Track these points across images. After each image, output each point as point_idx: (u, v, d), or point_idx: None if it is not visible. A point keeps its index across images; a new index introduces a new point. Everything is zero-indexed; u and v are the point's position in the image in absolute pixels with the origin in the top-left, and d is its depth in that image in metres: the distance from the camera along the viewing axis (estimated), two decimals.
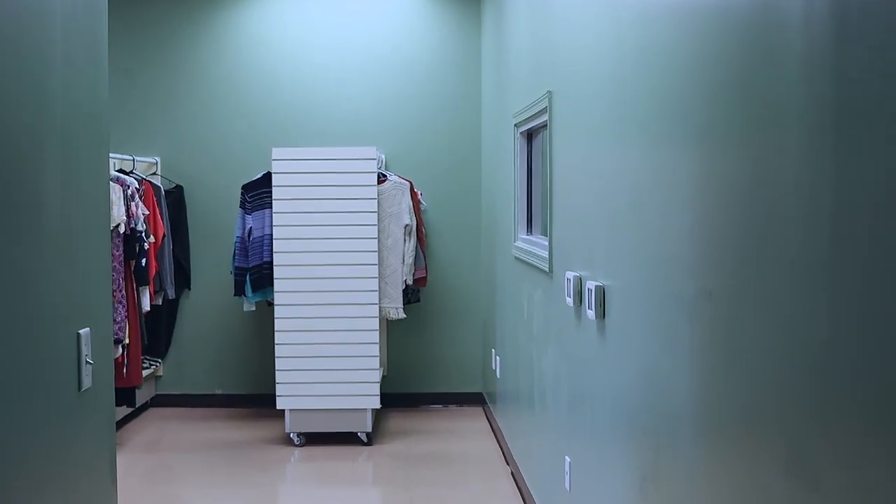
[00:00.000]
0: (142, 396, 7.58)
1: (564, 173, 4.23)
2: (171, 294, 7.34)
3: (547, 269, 4.56)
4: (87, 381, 2.38)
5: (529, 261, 5.12)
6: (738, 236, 2.21)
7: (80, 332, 2.35)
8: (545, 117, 4.75)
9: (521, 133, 5.67)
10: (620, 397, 3.29)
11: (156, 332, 7.71)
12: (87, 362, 2.36)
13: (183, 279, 7.81)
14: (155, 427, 7.29)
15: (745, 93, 2.16)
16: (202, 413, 7.68)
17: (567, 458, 4.18)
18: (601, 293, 3.50)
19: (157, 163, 7.80)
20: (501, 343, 6.56)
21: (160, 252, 7.16)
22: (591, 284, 3.59)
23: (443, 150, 7.82)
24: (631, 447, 3.17)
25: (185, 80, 7.83)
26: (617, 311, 3.33)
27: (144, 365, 7.63)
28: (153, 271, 6.89)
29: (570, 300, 3.95)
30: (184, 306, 7.90)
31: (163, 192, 7.33)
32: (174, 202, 7.71)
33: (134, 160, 7.27)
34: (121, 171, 7.11)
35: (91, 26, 2.47)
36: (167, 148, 7.86)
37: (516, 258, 5.69)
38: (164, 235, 7.04)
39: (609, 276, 3.43)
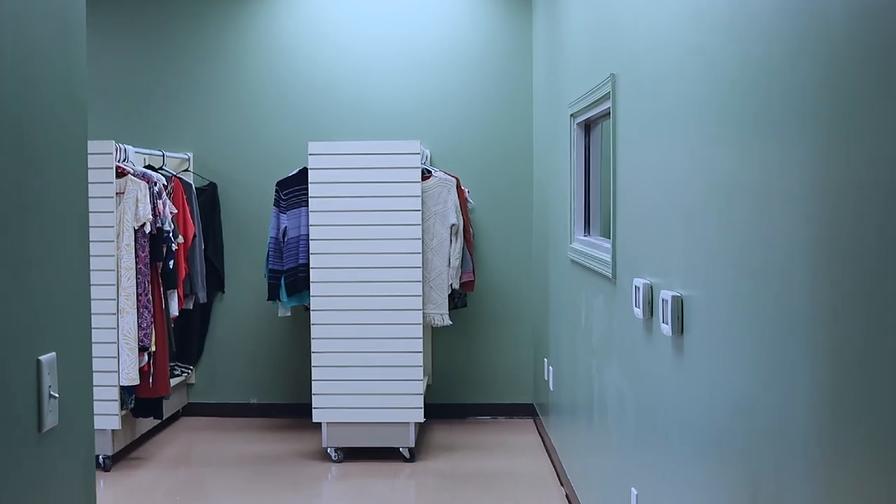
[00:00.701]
0: (172, 406, 7.17)
1: (630, 167, 3.72)
2: (203, 298, 6.91)
3: (609, 275, 4.05)
4: (50, 419, 1.91)
5: (588, 264, 4.62)
6: (876, 244, 1.69)
7: (42, 358, 1.88)
8: (607, 104, 4.24)
9: (577, 124, 5.17)
10: (704, 426, 2.78)
11: (187, 338, 7.30)
12: (50, 396, 1.89)
13: (216, 282, 7.39)
14: (185, 439, 6.86)
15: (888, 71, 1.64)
16: (236, 424, 7.25)
17: (634, 489, 3.66)
18: (678, 305, 2.99)
19: (189, 159, 7.38)
20: (555, 352, 6.05)
21: (190, 253, 6.73)
22: (665, 294, 3.07)
23: (491, 145, 7.32)
24: (717, 482, 2.66)
25: (218, 73, 7.40)
26: (699, 326, 2.81)
27: (175, 373, 7.22)
28: (182, 274, 6.47)
29: (638, 311, 3.44)
30: (217, 311, 7.47)
31: (194, 190, 6.90)
32: (207, 200, 7.28)
33: (164, 155, 6.85)
34: (149, 167, 6.69)
35: (61, 10, 2.01)
36: (200, 143, 7.43)
37: (573, 261, 5.19)
38: (194, 235, 6.61)
39: (689, 285, 2.91)
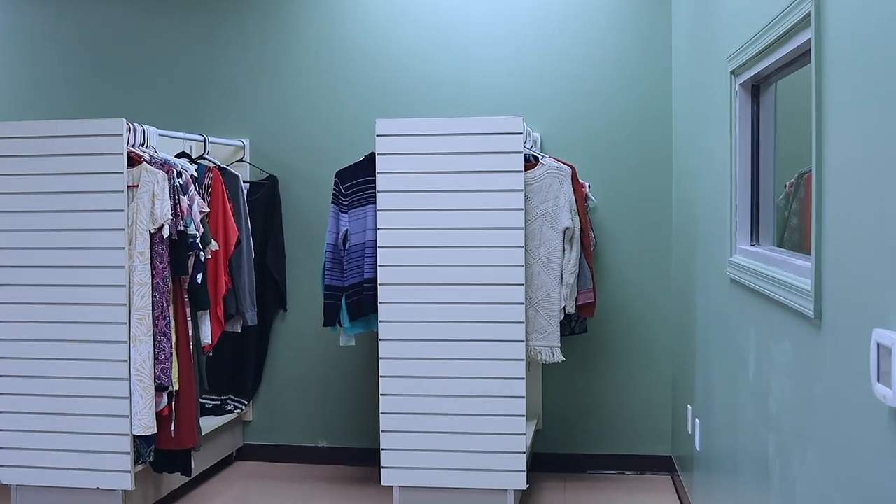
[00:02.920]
0: (225, 447, 5.84)
1: (852, 141, 2.15)
2: (251, 319, 5.52)
3: (808, 312, 2.48)
4: None
5: (762, 289, 3.05)
6: None
7: None
8: (804, 36, 2.67)
9: (741, 85, 3.59)
10: None
11: (241, 367, 5.95)
12: None
13: (276, 298, 6.01)
14: (238, 488, 5.49)
15: None
16: (300, 471, 5.86)
17: None
18: None
19: (244, 147, 6.02)
20: (704, 401, 4.48)
21: (236, 263, 5.36)
22: None
23: (615, 126, 5.75)
24: None
25: (278, 47, 6.02)
26: None
27: (227, 408, 5.88)
28: (223, 289, 5.09)
29: (886, 391, 1.87)
30: (278, 333, 6.09)
31: (241, 183, 5.51)
32: (265, 197, 5.91)
33: (206, 140, 5.48)
34: (183, 155, 5.34)
35: None
36: (257, 128, 6.07)
37: (734, 281, 3.62)
38: (238, 241, 5.22)
39: None
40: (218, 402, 5.94)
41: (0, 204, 4.68)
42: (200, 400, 5.84)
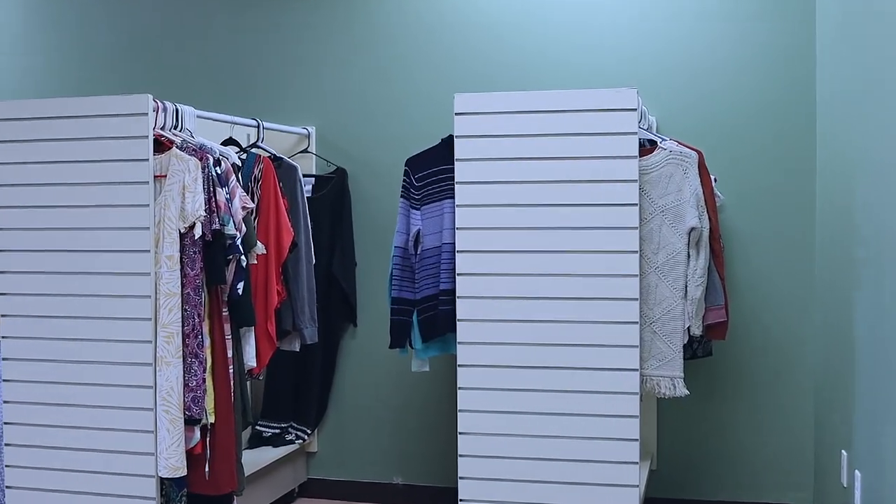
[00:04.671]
0: (286, 482, 5.09)
1: None
2: (311, 336, 4.68)
3: None
4: None
5: None
6: None
7: None
8: None
9: None
10: None
11: (304, 390, 5.15)
12: None
13: (344, 311, 5.19)
14: None
15: None
16: None
17: None
18: None
19: (308, 135, 5.21)
20: (870, 448, 3.49)
21: (291, 269, 4.54)
22: None
23: (745, 110, 4.76)
24: None
25: (347, 21, 5.21)
26: None
27: (287, 437, 5.08)
28: (276, 300, 4.28)
29: None
30: (346, 351, 5.27)
31: (299, 176, 4.69)
32: (332, 194, 5.10)
33: (260, 126, 4.67)
34: (230, 142, 4.54)
35: None
36: (324, 114, 5.26)
37: None
38: (293, 244, 4.39)
39: None
40: (277, 431, 5.13)
41: (2, 198, 3.92)
42: (257, 427, 5.08)
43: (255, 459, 4.76)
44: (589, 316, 3.72)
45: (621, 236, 3.69)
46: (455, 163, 3.80)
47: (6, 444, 3.94)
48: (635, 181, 3.68)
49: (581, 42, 4.93)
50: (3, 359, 3.94)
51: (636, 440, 3.71)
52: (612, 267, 3.70)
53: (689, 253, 3.84)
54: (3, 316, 3.94)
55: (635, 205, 3.68)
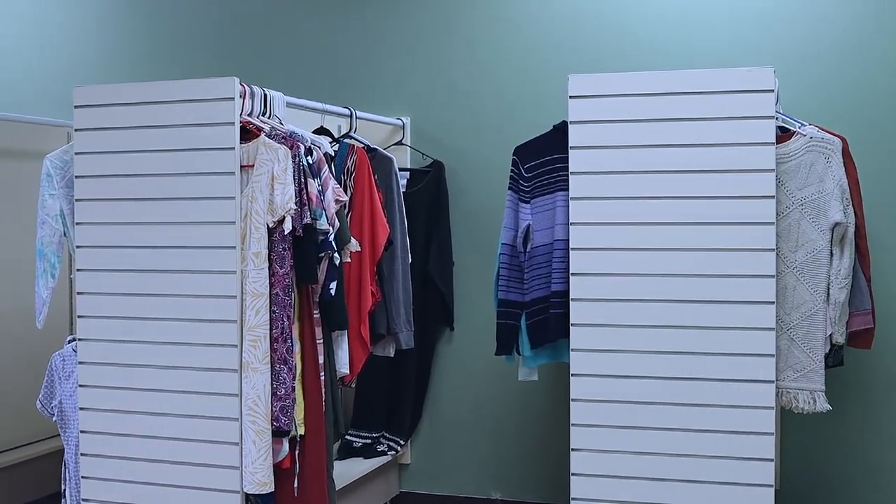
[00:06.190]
0: (378, 495, 4.81)
1: None
2: (406, 341, 4.36)
3: None
4: None
5: None
6: None
7: None
8: None
9: None
10: None
11: (397, 398, 4.87)
12: None
13: (441, 314, 4.87)
14: None
15: None
16: None
17: None
18: None
19: (403, 126, 4.90)
20: None
21: (386, 269, 4.22)
22: None
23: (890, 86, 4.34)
24: None
25: (444, 7, 4.90)
26: None
27: (379, 448, 4.79)
28: (370, 302, 3.97)
29: None
30: (443, 357, 4.95)
31: (395, 168, 4.37)
32: (429, 188, 4.80)
33: (353, 115, 4.36)
34: (322, 131, 4.24)
35: None
36: (419, 104, 4.95)
37: None
38: (389, 242, 4.07)
39: None
40: (369, 441, 4.83)
41: (80, 191, 3.66)
42: (347, 437, 4.79)
43: (345, 472, 4.46)
44: (718, 321, 3.34)
45: (755, 232, 3.30)
46: (569, 151, 3.45)
47: (82, 454, 3.69)
48: (772, 171, 3.29)
49: (697, 19, 4.54)
50: (80, 362, 3.68)
51: (771, 460, 3.32)
52: (745, 266, 3.32)
53: (831, 251, 3.43)
54: (79, 317, 3.68)
55: (772, 197, 3.29)
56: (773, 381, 3.31)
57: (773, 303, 3.30)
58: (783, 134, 3.52)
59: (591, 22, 4.70)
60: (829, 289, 3.44)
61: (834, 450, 4.44)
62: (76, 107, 3.66)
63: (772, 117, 3.29)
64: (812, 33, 4.40)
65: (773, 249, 3.30)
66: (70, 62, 5.70)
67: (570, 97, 3.45)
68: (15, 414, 4.96)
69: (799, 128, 3.53)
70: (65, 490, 3.82)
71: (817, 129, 3.53)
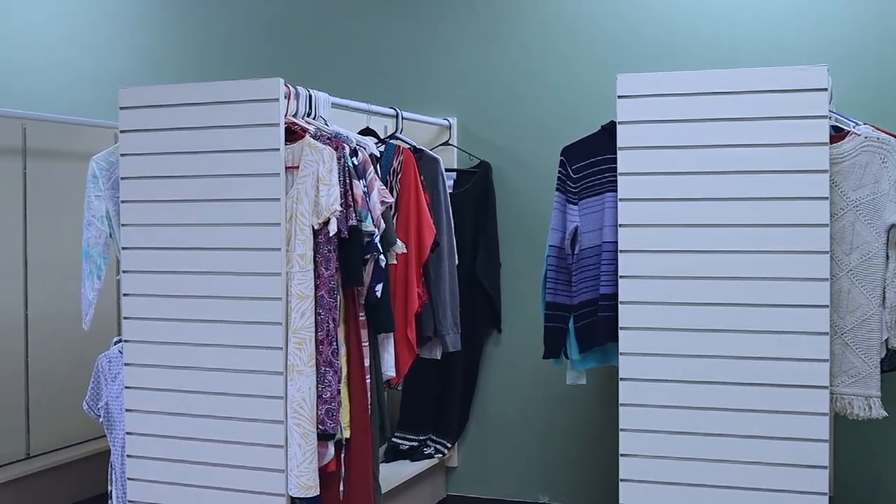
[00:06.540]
0: (424, 498, 4.79)
1: None
2: (453, 343, 4.33)
3: None
4: None
5: None
6: None
7: None
8: None
9: None
10: None
11: (444, 400, 4.85)
12: None
13: (488, 317, 4.84)
14: None
15: None
16: None
17: None
18: None
19: (449, 126, 4.87)
20: None
21: (433, 270, 4.19)
22: None
23: None
24: None
25: (490, 5, 4.85)
26: None
27: (425, 450, 4.76)
28: (416, 304, 3.94)
29: None
30: (490, 359, 4.91)
31: (441, 169, 4.34)
32: (475, 189, 4.76)
33: (399, 115, 4.34)
34: (368, 132, 4.22)
35: None
36: (465, 104, 4.91)
37: None
38: (436, 244, 4.04)
39: None
40: (415, 444, 4.80)
41: (126, 192, 3.66)
42: (394, 440, 4.77)
43: (391, 474, 4.43)
44: (771, 326, 3.27)
45: (809, 234, 3.23)
46: (617, 152, 3.39)
47: (128, 456, 3.69)
48: (825, 171, 3.22)
49: (749, 17, 4.45)
50: (125, 364, 3.68)
51: (825, 467, 3.25)
52: (798, 269, 3.25)
53: (887, 254, 3.34)
54: (125, 319, 3.68)
55: (825, 199, 3.22)
56: (827, 387, 3.24)
57: (826, 306, 3.22)
58: (837, 134, 3.44)
59: (643, 18, 4.63)
60: (884, 292, 3.34)
61: (890, 456, 4.34)
62: (121, 108, 3.67)
63: (825, 117, 3.22)
64: (862, 30, 4.30)
65: (827, 252, 3.22)
66: (120, 64, 5.73)
67: (619, 97, 3.40)
68: (62, 415, 4.99)
69: (853, 127, 3.44)
70: (111, 491, 3.82)
71: (872, 128, 3.44)
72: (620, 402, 3.41)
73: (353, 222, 3.45)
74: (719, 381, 3.32)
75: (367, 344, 3.59)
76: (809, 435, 3.25)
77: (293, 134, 3.50)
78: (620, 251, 3.40)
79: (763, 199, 3.27)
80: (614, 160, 3.46)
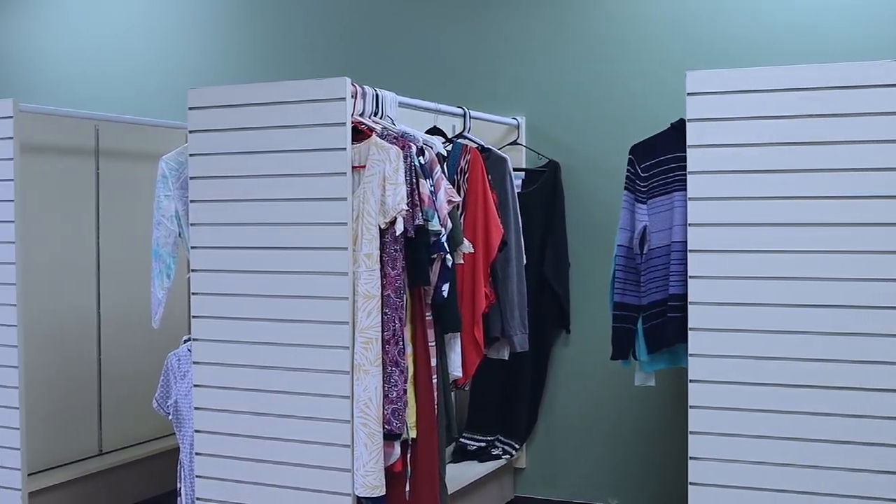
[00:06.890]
0: (492, 499, 4.77)
1: None
2: (521, 344, 4.30)
3: None
4: None
5: None
6: None
7: None
8: None
9: None
10: None
11: (512, 401, 4.81)
12: None
13: (557, 317, 4.79)
14: None
15: None
16: None
17: None
18: None
19: (518, 125, 4.83)
20: None
21: (500, 270, 4.16)
22: None
23: None
24: None
25: (559, 2, 4.81)
26: None
27: (493, 451, 4.73)
28: (484, 304, 3.92)
29: None
30: (559, 360, 4.86)
31: (509, 169, 4.31)
32: (544, 189, 4.72)
33: (466, 115, 4.32)
34: (435, 131, 4.20)
35: None
36: (534, 103, 4.87)
37: None
38: (503, 243, 4.01)
39: None
40: (483, 444, 4.77)
41: (195, 192, 3.69)
42: (461, 440, 4.75)
43: (458, 475, 4.41)
44: (848, 327, 3.17)
45: (893, 233, 3.14)
46: (687, 150, 3.32)
47: (197, 454, 3.71)
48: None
49: (831, 6, 4.36)
50: (194, 362, 3.71)
51: None
52: (880, 270, 3.14)
53: None
54: (194, 317, 3.71)
55: None
56: None
57: None
58: None
59: (716, 10, 4.55)
60: None
61: None
62: (190, 108, 3.69)
63: None
64: None
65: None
66: (194, 66, 5.78)
67: (688, 94, 3.33)
68: (134, 412, 5.05)
69: None
70: (180, 488, 3.85)
71: None
72: (690, 404, 3.35)
73: (419, 221, 3.44)
74: (797, 384, 3.23)
75: (433, 344, 3.58)
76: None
77: (360, 133, 3.49)
78: (690, 251, 3.33)
79: (842, 198, 3.17)
80: (683, 158, 3.39)
